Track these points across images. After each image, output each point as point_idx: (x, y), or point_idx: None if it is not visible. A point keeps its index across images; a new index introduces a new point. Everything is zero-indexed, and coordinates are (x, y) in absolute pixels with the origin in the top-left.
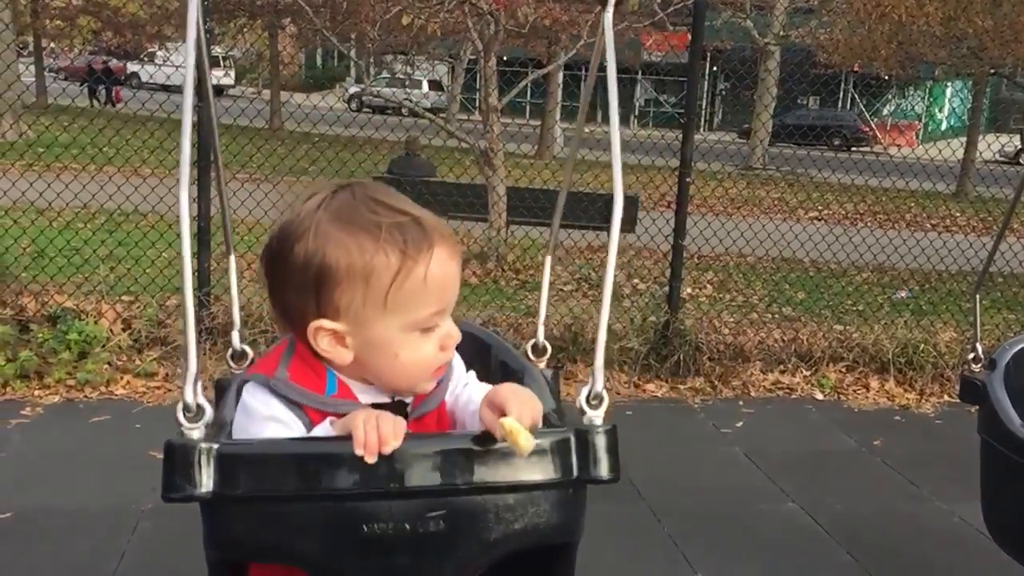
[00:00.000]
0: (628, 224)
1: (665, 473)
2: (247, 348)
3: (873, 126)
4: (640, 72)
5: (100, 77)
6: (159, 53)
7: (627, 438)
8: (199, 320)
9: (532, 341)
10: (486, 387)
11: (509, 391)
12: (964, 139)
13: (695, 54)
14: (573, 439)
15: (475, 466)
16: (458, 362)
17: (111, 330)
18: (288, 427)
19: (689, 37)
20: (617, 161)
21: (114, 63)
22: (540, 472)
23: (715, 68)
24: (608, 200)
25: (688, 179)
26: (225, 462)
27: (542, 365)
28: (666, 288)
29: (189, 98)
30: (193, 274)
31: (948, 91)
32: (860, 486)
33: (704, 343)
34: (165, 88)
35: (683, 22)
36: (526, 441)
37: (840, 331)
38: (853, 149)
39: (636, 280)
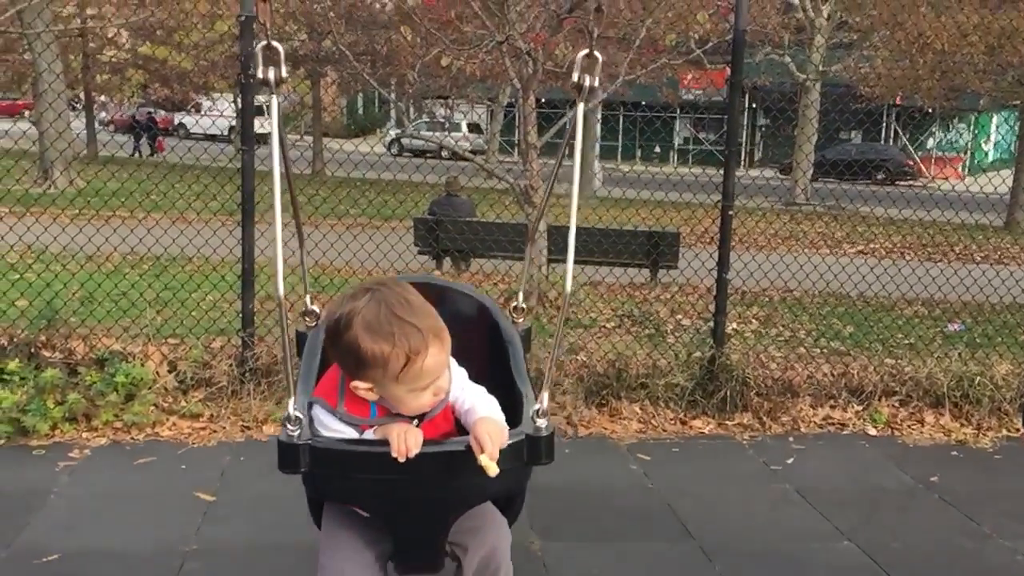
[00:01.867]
0: (670, 259)
1: (714, 511)
2: (316, 308)
3: (917, 159)
4: (679, 110)
5: (143, 128)
6: (205, 103)
7: (674, 475)
8: (243, 361)
9: (513, 304)
10: (477, 392)
11: (485, 430)
12: (1012, 170)
13: (735, 87)
14: (525, 442)
15: (463, 463)
16: (457, 371)
17: (157, 372)
18: (345, 432)
19: (728, 71)
20: (574, 203)
21: (160, 115)
22: (504, 463)
23: (755, 104)
24: (650, 236)
25: (730, 212)
26: (315, 453)
27: (521, 321)
28: (711, 323)
29: (276, 152)
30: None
31: (994, 121)
32: (918, 524)
33: (751, 378)
34: (210, 137)
35: (721, 60)
36: (493, 471)
37: (892, 364)
38: (897, 183)
39: (679, 316)
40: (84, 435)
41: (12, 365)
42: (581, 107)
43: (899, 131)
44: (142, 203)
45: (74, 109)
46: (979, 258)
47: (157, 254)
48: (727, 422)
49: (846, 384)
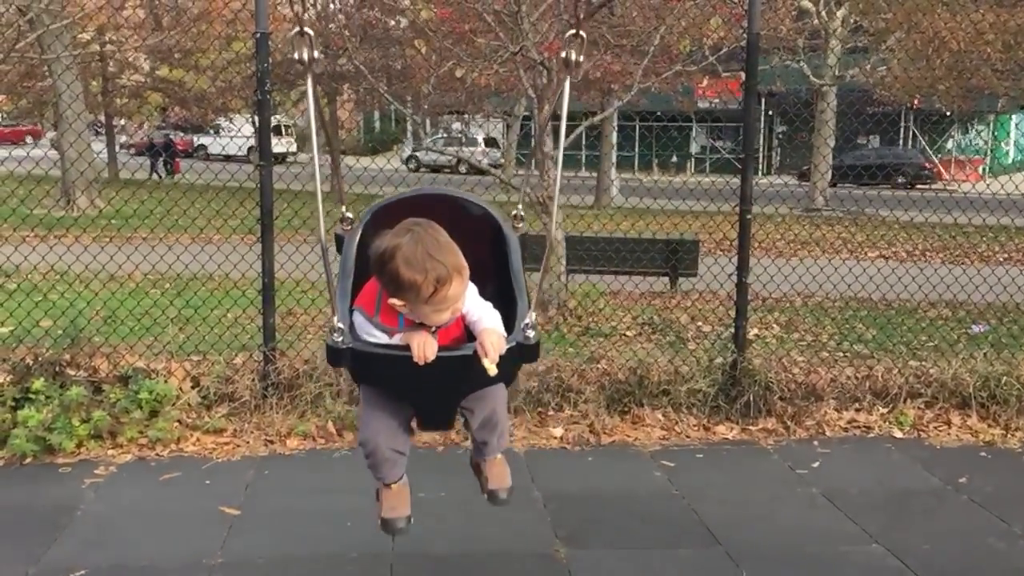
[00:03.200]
0: (690, 267)
1: (741, 516)
2: (351, 215)
3: (936, 162)
4: (695, 119)
5: (160, 150)
6: (225, 124)
7: (698, 481)
8: (265, 375)
9: (513, 212)
10: (484, 307)
11: (488, 340)
12: None
13: (750, 90)
14: (517, 348)
15: (469, 364)
16: (470, 288)
17: (180, 388)
18: (379, 337)
19: (743, 75)
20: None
21: (177, 136)
22: (501, 365)
23: (771, 111)
24: (669, 243)
25: (749, 216)
26: (354, 355)
27: (520, 227)
28: (731, 328)
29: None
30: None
31: (1013, 122)
32: (947, 525)
33: (774, 382)
34: (228, 158)
35: (737, 66)
36: (493, 372)
37: (916, 367)
38: (917, 186)
39: (700, 323)
40: (109, 452)
41: (37, 384)
42: (568, 82)
43: (917, 134)
44: (163, 221)
45: (98, 133)
46: (1002, 259)
47: (178, 272)
48: (751, 427)
49: (870, 387)
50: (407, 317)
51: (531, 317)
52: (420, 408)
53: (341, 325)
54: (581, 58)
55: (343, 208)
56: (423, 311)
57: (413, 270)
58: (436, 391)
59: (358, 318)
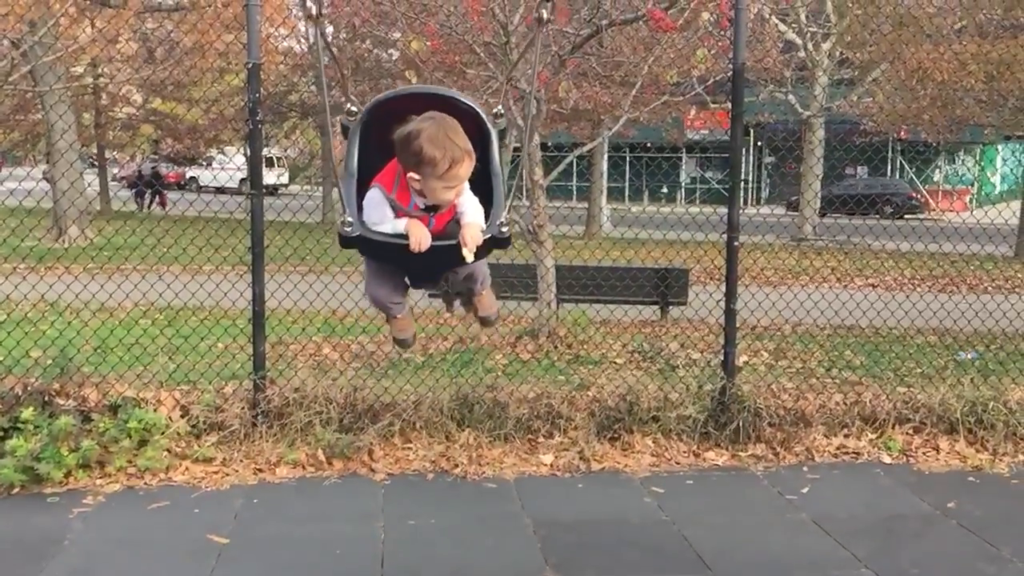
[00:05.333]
0: (680, 296)
1: (730, 542)
2: (355, 108)
3: (924, 192)
4: (685, 150)
5: (148, 182)
6: (217, 157)
7: (688, 507)
8: (255, 403)
9: (494, 111)
10: (472, 201)
11: (469, 233)
12: (1021, 201)
13: (736, 118)
14: (492, 240)
15: (453, 251)
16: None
17: (170, 417)
18: (388, 215)
19: (729, 103)
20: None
21: (169, 169)
22: (479, 254)
23: (760, 142)
24: (659, 272)
25: (736, 243)
26: (362, 240)
27: (500, 122)
28: (720, 355)
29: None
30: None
31: (1000, 152)
32: (937, 550)
33: (763, 408)
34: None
35: (725, 98)
36: (470, 259)
37: (904, 393)
38: (905, 216)
39: (689, 350)
40: (98, 481)
41: (26, 413)
42: (540, 37)
43: (905, 165)
44: (153, 250)
45: (93, 165)
46: (990, 288)
47: (168, 303)
48: (740, 453)
49: (859, 413)
50: (418, 195)
51: (504, 216)
52: (412, 275)
53: (350, 219)
54: (553, 16)
55: (347, 103)
56: (434, 186)
57: (435, 147)
58: (425, 266)
59: (376, 193)
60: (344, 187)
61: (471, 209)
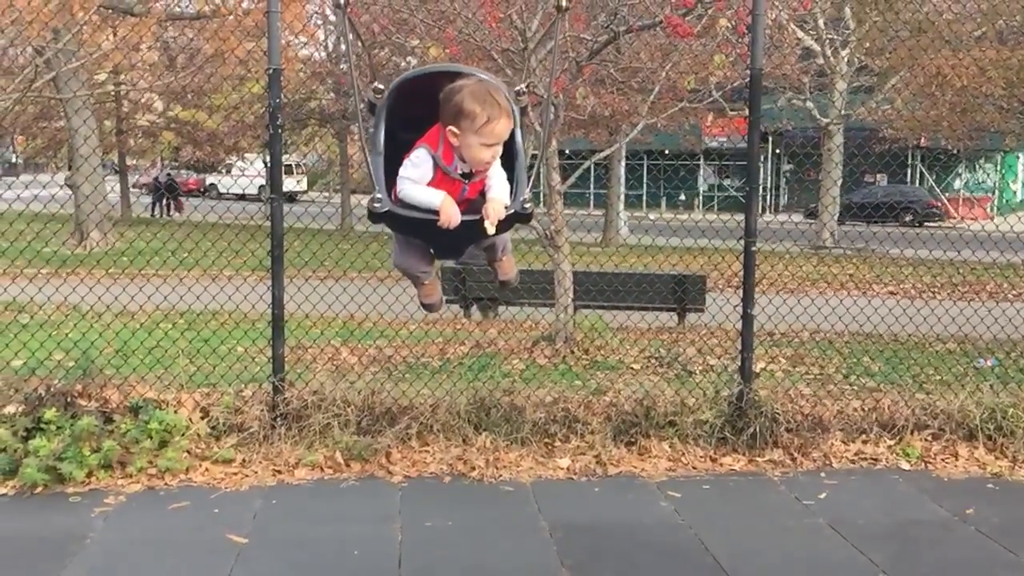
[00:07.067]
0: (697, 302)
1: (747, 547)
2: (382, 86)
3: (944, 200)
4: (703, 157)
5: (166, 189)
6: (237, 164)
7: (705, 512)
8: (274, 406)
9: (515, 89)
10: (500, 175)
11: (492, 208)
12: None
13: (753, 124)
14: (514, 215)
15: (477, 226)
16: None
17: (190, 419)
18: (428, 175)
19: (747, 109)
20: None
21: (189, 176)
22: (500, 228)
23: (778, 150)
24: (676, 279)
25: (753, 247)
26: (392, 215)
27: (523, 99)
28: (738, 361)
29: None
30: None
31: (1020, 160)
32: (955, 556)
33: (781, 414)
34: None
35: (743, 105)
36: (491, 232)
37: (923, 399)
38: (926, 224)
39: (707, 356)
40: (119, 481)
41: (49, 414)
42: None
43: (925, 172)
44: (175, 254)
45: (116, 172)
46: (1011, 296)
47: (189, 306)
48: (758, 458)
49: (877, 419)
50: (458, 155)
51: (528, 192)
52: (437, 247)
53: (380, 195)
54: (571, 3)
55: (375, 83)
56: (471, 142)
57: (475, 101)
58: (450, 239)
59: (422, 152)
60: (372, 164)
61: (497, 184)
